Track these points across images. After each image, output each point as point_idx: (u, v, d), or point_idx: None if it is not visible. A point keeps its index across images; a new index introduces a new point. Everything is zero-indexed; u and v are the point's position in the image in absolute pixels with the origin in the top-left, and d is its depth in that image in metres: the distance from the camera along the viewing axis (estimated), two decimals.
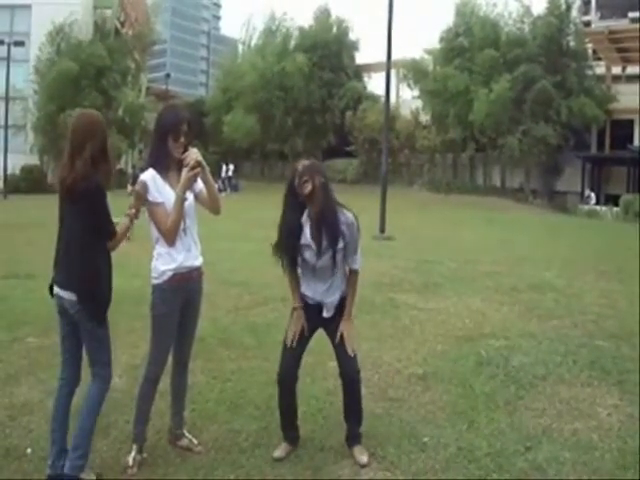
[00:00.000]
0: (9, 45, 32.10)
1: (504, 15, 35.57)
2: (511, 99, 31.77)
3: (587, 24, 42.39)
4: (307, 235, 3.39)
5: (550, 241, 15.63)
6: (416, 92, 37.96)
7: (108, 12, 40.16)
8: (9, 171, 32.79)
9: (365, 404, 3.88)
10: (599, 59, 36.56)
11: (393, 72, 24.75)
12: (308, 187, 3.30)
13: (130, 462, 3.27)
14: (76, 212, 3.02)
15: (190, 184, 3.24)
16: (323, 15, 42.07)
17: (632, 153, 31.00)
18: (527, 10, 34.95)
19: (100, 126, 3.10)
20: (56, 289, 3.14)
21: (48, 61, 36.24)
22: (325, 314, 3.49)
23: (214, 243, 10.19)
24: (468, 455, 3.48)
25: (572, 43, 34.12)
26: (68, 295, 3.06)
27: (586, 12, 47.23)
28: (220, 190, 26.44)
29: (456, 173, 36.66)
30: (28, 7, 37.92)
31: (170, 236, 3.23)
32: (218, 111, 41.29)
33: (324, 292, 3.48)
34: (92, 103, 33.31)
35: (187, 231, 3.32)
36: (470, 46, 34.47)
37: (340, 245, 3.37)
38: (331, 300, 3.48)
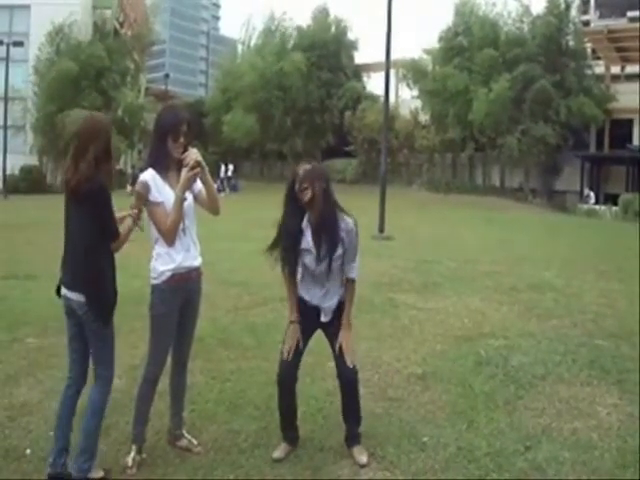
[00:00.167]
0: (8, 45, 32.08)
1: (503, 15, 35.67)
2: (510, 99, 31.80)
3: (586, 23, 42.44)
4: (308, 239, 3.38)
5: (549, 241, 15.64)
6: (415, 92, 38.01)
7: (107, 12, 40.14)
8: (8, 171, 32.78)
9: (364, 404, 3.88)
10: (598, 58, 36.59)
11: (392, 72, 24.78)
12: (308, 194, 3.29)
13: (129, 462, 3.27)
14: (81, 213, 3.04)
15: (190, 184, 3.24)
16: (322, 15, 42.08)
17: (631, 152, 31.04)
18: (526, 9, 34.99)
19: (104, 129, 3.14)
20: (64, 290, 3.15)
21: (47, 61, 36.22)
22: (323, 318, 3.50)
23: (213, 243, 10.19)
24: (468, 455, 3.48)
25: (571, 42, 34.16)
26: (76, 296, 3.07)
27: (585, 11, 47.26)
28: (219, 190, 26.44)
29: (455, 173, 36.68)
30: (27, 7, 37.89)
31: (169, 236, 3.23)
32: (217, 111, 41.29)
33: (322, 297, 3.48)
34: (91, 104, 33.38)
35: (186, 231, 3.32)
36: (469, 46, 34.50)
37: (339, 252, 3.37)
38: (329, 305, 3.48)
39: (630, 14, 43.92)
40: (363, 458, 3.39)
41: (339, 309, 3.49)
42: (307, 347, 3.54)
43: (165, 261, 3.26)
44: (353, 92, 39.83)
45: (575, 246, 14.49)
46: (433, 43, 36.71)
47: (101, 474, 3.17)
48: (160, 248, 3.28)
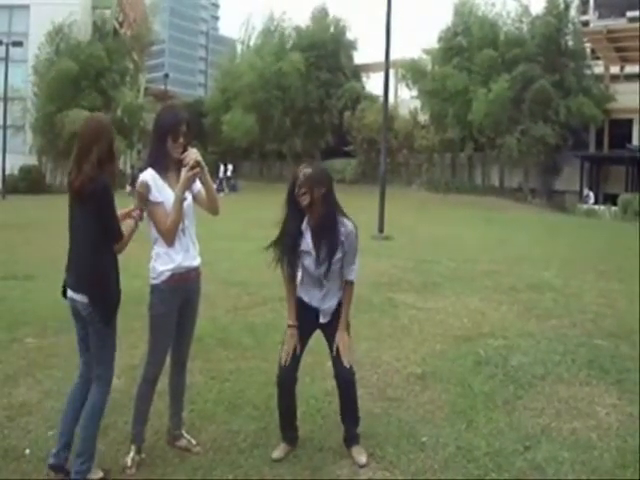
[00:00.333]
0: (7, 45, 32.05)
1: (502, 15, 35.63)
2: (510, 99, 31.79)
3: (585, 23, 42.47)
4: (308, 241, 3.39)
5: (549, 240, 15.64)
6: (415, 92, 37.99)
7: (107, 12, 40.11)
8: (7, 171, 32.73)
9: (364, 404, 3.88)
10: (597, 58, 36.61)
11: (392, 72, 24.80)
12: (306, 199, 3.29)
13: (129, 462, 3.27)
14: (85, 214, 3.06)
15: (189, 184, 3.25)
16: (320, 15, 42.08)
17: (630, 152, 31.02)
18: (525, 10, 34.98)
19: (106, 129, 3.16)
20: (69, 292, 3.16)
21: (47, 61, 36.19)
22: (322, 320, 3.50)
23: (213, 243, 10.20)
24: (467, 455, 3.48)
25: (570, 42, 34.14)
26: (80, 297, 3.09)
27: (584, 11, 47.30)
28: (218, 190, 26.43)
29: (455, 173, 36.68)
30: (26, 7, 37.84)
31: (169, 236, 3.24)
32: (217, 111, 41.27)
33: (321, 298, 3.48)
34: (91, 104, 33.38)
35: (185, 231, 3.32)
36: (469, 46, 34.50)
37: (338, 255, 3.37)
38: (328, 306, 3.48)
39: (629, 14, 43.94)
40: (362, 458, 3.39)
41: (338, 311, 3.49)
42: (307, 347, 3.54)
43: (164, 261, 3.26)
44: (352, 92, 39.82)
45: (574, 246, 14.50)
46: (432, 43, 36.75)
47: (100, 475, 3.17)
48: (159, 248, 3.28)
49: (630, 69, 36.19)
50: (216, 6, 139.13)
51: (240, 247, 12.15)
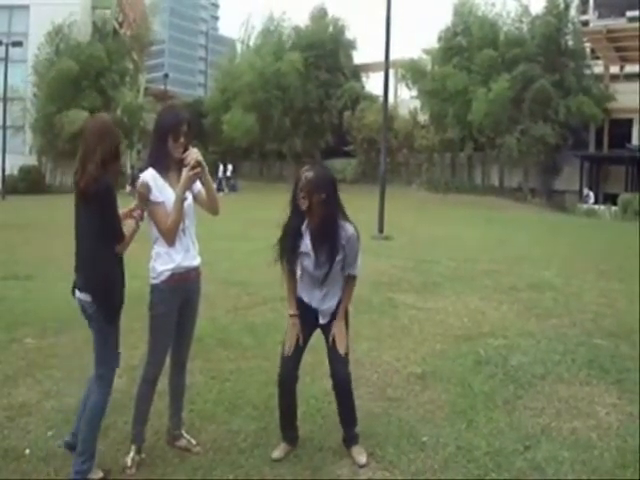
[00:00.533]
0: (7, 45, 32.05)
1: (502, 15, 35.61)
2: (510, 98, 31.77)
3: (585, 23, 42.45)
4: (307, 244, 3.38)
5: (549, 240, 15.64)
6: (414, 92, 37.98)
7: (107, 12, 40.09)
8: (7, 172, 32.71)
9: (364, 403, 3.88)
10: (597, 58, 36.59)
11: (391, 72, 24.81)
12: (305, 204, 3.28)
13: (129, 462, 3.27)
14: (88, 214, 3.09)
15: (190, 184, 3.26)
16: (319, 14, 42.06)
17: (630, 152, 31.02)
18: (525, 10, 34.97)
19: (110, 130, 3.17)
20: (76, 292, 3.19)
21: (47, 61, 36.19)
22: (321, 321, 3.50)
23: (213, 243, 10.20)
24: (467, 454, 3.48)
25: (570, 42, 34.12)
26: (84, 296, 3.13)
27: (584, 11, 47.29)
28: (218, 190, 26.41)
29: (454, 172, 36.67)
30: (26, 7, 37.83)
31: (170, 236, 3.24)
32: (217, 111, 41.25)
33: (320, 299, 3.47)
34: (91, 104, 33.38)
35: (186, 231, 3.33)
36: (469, 45, 34.49)
37: (338, 258, 3.37)
38: (327, 307, 3.48)
39: (629, 14, 43.92)
40: (362, 458, 3.39)
41: (337, 311, 3.49)
42: (307, 346, 3.54)
43: (164, 261, 3.27)
44: (352, 92, 39.79)
45: (574, 246, 14.50)
46: (432, 43, 36.72)
47: (100, 475, 3.17)
48: (159, 248, 3.29)
49: (630, 69, 36.18)
50: (216, 6, 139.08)
51: (240, 247, 12.15)
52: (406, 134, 35.96)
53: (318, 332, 3.57)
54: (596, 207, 29.21)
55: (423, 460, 3.43)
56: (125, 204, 3.31)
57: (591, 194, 31.27)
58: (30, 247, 12.14)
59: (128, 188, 22.29)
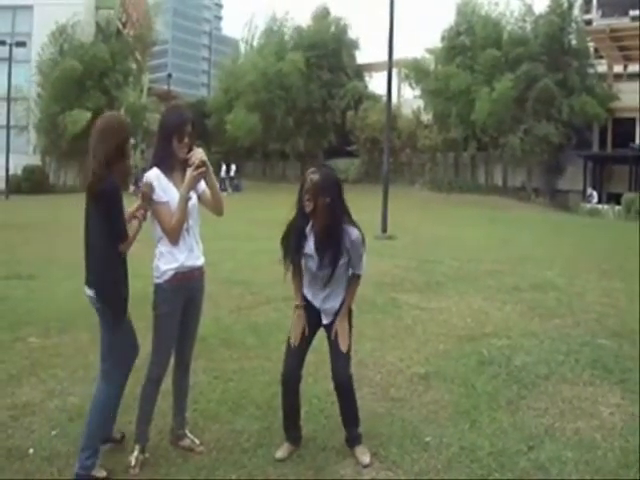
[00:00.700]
0: (11, 46, 32.15)
1: (506, 14, 35.55)
2: (513, 98, 31.73)
3: (588, 22, 42.31)
4: (311, 245, 3.38)
5: (552, 240, 15.61)
6: (418, 91, 37.95)
7: (110, 13, 40.14)
8: (11, 171, 32.78)
9: (367, 404, 3.88)
10: (601, 57, 36.49)
11: (395, 71, 24.79)
12: (310, 206, 3.27)
13: (132, 462, 3.27)
14: (95, 213, 3.13)
15: (195, 183, 3.27)
16: (322, 14, 42.05)
17: (634, 151, 30.93)
18: (529, 9, 34.92)
19: (114, 128, 3.19)
20: (85, 288, 3.25)
21: (51, 61, 36.28)
22: (324, 320, 3.50)
23: (216, 243, 10.20)
24: (470, 455, 3.48)
25: (574, 42, 34.05)
26: (90, 292, 3.20)
27: (587, 10, 47.12)
28: (221, 190, 26.43)
29: (458, 172, 36.64)
30: (30, 8, 37.95)
31: (174, 235, 3.25)
32: (220, 112, 41.27)
33: (323, 299, 3.47)
34: (94, 104, 33.46)
35: (190, 231, 3.34)
36: (472, 45, 34.47)
37: (342, 261, 3.36)
38: (330, 306, 3.48)
39: (632, 13, 43.78)
40: (365, 458, 3.39)
41: (340, 310, 3.49)
42: (310, 346, 3.54)
43: (168, 260, 3.28)
44: (355, 92, 39.78)
45: (578, 245, 14.47)
46: (435, 42, 36.71)
47: (104, 474, 3.18)
48: (163, 247, 3.30)
49: (633, 68, 36.10)
50: (219, 6, 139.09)
51: (243, 247, 12.16)
52: (409, 134, 35.94)
53: (320, 333, 3.58)
54: (599, 207, 29.15)
55: (426, 460, 3.42)
56: (129, 204, 3.32)
57: (594, 194, 31.21)
58: (33, 247, 12.16)
59: (132, 188, 22.31)
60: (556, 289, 8.44)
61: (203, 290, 3.52)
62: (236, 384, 4.55)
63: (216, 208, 3.46)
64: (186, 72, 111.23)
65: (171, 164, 3.29)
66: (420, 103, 37.00)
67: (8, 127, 32.55)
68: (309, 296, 3.50)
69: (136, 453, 3.31)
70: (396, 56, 18.46)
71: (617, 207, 27.39)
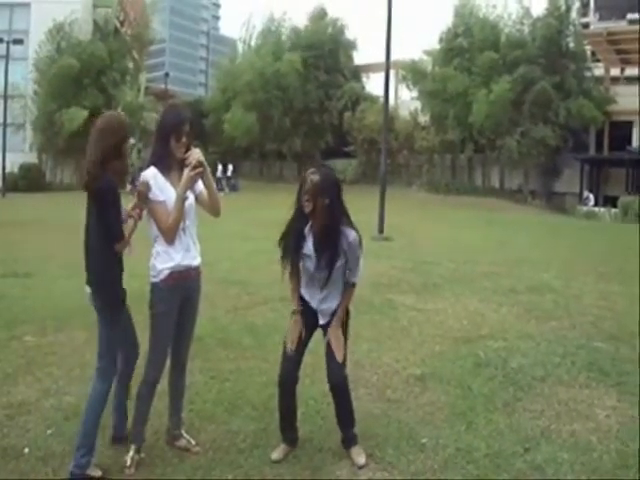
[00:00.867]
0: (8, 43, 32.08)
1: (504, 16, 35.57)
2: (510, 100, 31.75)
3: (586, 26, 42.42)
4: (309, 245, 3.38)
5: (549, 242, 15.63)
6: (415, 93, 37.97)
7: (108, 11, 40.07)
8: (7, 169, 32.72)
9: (363, 405, 3.88)
10: (598, 60, 36.58)
11: (392, 73, 24.77)
12: (309, 207, 3.27)
13: (128, 462, 3.27)
14: (93, 211, 3.15)
15: (192, 183, 3.27)
16: (319, 15, 42.05)
17: (631, 154, 31.02)
18: (527, 12, 34.92)
19: (111, 127, 3.20)
20: (86, 287, 3.27)
21: (48, 59, 36.19)
22: (321, 321, 3.49)
23: (213, 243, 10.17)
24: (466, 456, 3.48)
25: (571, 45, 34.10)
26: (88, 289, 3.22)
27: (585, 14, 47.22)
28: (218, 190, 26.41)
29: (455, 174, 36.65)
30: (27, 5, 37.89)
31: (170, 234, 3.25)
32: (218, 111, 41.25)
33: (320, 300, 3.47)
34: (92, 102, 33.40)
35: (186, 231, 3.33)
36: (469, 47, 34.46)
37: (340, 263, 3.36)
38: (327, 307, 3.47)
39: (630, 16, 43.87)
40: (361, 459, 3.39)
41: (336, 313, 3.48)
42: (307, 348, 3.54)
43: (164, 259, 3.28)
44: (352, 93, 39.76)
45: (574, 248, 14.49)
46: (433, 44, 36.67)
47: (99, 473, 3.18)
48: (159, 246, 3.30)
49: (630, 71, 36.16)
50: (217, 6, 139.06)
51: (240, 247, 12.16)
52: (406, 135, 35.95)
53: (317, 335, 3.57)
54: (596, 209, 29.20)
55: (422, 461, 3.43)
56: (126, 203, 3.31)
57: (591, 196, 31.27)
58: (29, 245, 12.14)
59: (128, 187, 22.30)
60: (553, 291, 8.46)
61: (199, 290, 3.52)
62: (232, 384, 4.54)
63: (213, 209, 3.45)
64: (183, 71, 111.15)
65: (168, 163, 3.29)
66: (417, 105, 37.02)
67: (5, 125, 32.45)
68: (306, 297, 3.50)
69: (132, 453, 3.30)
70: (394, 57, 18.48)
71: (614, 210, 27.44)
